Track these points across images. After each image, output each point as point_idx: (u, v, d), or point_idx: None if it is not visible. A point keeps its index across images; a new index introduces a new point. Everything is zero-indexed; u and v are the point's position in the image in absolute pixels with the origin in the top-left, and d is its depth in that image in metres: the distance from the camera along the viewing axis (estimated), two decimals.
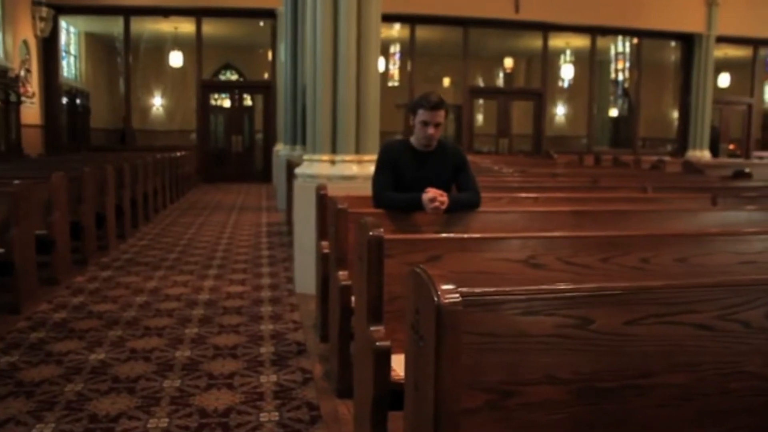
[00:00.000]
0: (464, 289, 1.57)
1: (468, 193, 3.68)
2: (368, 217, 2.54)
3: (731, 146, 20.21)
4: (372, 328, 2.39)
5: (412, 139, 3.73)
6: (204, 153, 17.46)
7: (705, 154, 17.56)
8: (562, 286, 1.75)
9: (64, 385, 3.48)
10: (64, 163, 9.10)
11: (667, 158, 14.56)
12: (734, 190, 5.85)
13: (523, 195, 4.74)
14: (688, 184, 6.48)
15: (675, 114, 19.37)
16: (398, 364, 2.32)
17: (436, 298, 1.54)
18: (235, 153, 18.31)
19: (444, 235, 2.70)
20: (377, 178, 3.70)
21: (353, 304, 3.27)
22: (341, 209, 3.46)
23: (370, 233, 2.42)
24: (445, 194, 3.50)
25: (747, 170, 8.66)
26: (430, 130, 3.58)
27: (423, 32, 17.02)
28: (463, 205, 3.61)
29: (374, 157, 5.73)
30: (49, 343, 4.16)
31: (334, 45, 5.48)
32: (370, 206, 3.68)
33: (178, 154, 13.64)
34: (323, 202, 4.32)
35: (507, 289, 1.67)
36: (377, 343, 2.28)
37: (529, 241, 2.75)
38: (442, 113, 3.59)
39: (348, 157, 5.49)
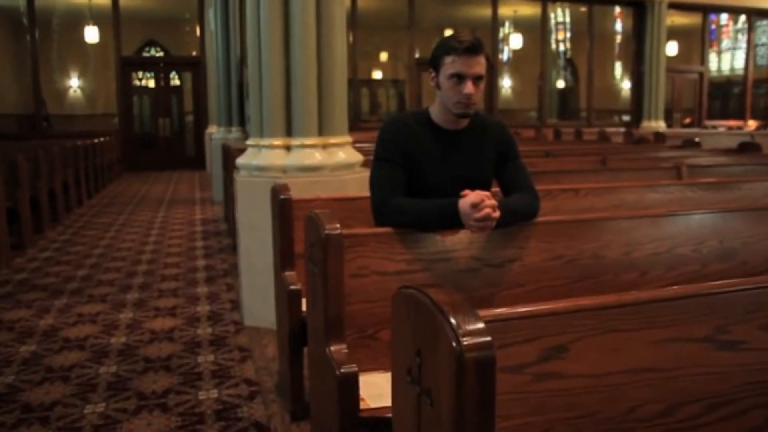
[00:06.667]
0: None
1: (522, 195, 2.32)
2: (434, 290, 1.16)
3: (685, 119, 19.55)
4: None
5: (433, 111, 2.36)
6: (128, 138, 15.70)
7: (660, 125, 16.78)
8: None
9: None
10: None
11: (622, 129, 13.81)
12: None
13: (555, 187, 3.45)
14: (718, 163, 5.36)
15: (624, 84, 18.65)
16: None
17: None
18: (162, 137, 16.54)
19: (565, 305, 1.36)
20: (378, 176, 2.29)
21: (362, 401, 1.94)
22: (332, 236, 2.02)
23: (460, 346, 1.00)
24: (493, 199, 2.16)
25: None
26: (468, 88, 2.19)
27: (363, 1, 15.60)
28: (521, 215, 2.26)
29: (344, 139, 4.32)
30: None
31: None
32: (369, 220, 2.30)
33: (96, 140, 11.89)
34: (286, 210, 2.88)
35: None
36: None
37: (708, 299, 1.45)
38: (482, 60, 2.20)
39: (309, 141, 4.08)
